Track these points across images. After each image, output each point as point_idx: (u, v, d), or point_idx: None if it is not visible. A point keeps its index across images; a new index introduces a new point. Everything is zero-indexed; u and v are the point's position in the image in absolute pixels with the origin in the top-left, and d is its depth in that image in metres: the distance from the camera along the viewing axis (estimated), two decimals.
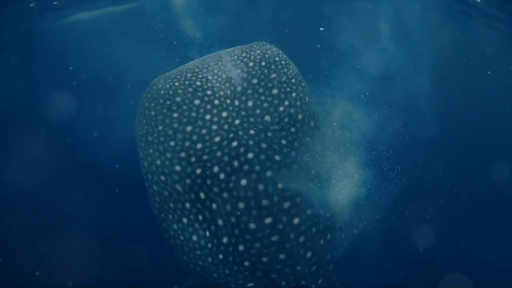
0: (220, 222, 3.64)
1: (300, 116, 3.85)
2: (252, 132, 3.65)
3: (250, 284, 3.90)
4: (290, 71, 3.94)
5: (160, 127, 3.73)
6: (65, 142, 7.57)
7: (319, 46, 8.51)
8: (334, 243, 4.10)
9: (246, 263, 3.76)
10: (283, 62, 3.93)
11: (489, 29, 10.24)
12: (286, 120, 3.78)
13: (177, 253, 4.09)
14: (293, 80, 3.91)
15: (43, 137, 7.64)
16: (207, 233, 3.73)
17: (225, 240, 3.69)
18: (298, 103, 3.87)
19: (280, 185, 3.63)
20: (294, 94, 3.86)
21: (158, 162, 3.74)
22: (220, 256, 3.78)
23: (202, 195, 3.64)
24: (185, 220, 3.77)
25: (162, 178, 3.76)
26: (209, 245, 3.77)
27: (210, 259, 3.85)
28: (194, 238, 3.80)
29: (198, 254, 3.89)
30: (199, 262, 3.94)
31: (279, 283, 3.85)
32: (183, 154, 3.63)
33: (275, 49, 4.02)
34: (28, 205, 7.03)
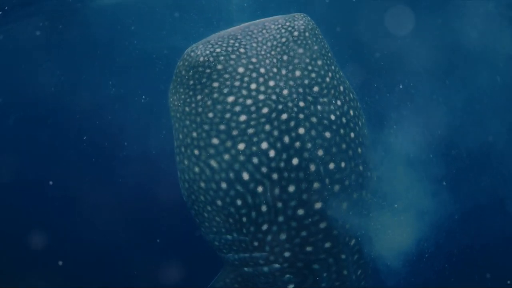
0: (264, 208, 3.25)
1: (341, 88, 3.62)
2: (302, 104, 3.27)
3: (287, 276, 3.56)
4: (326, 45, 3.76)
5: (199, 97, 3.33)
6: (125, 116, 7.46)
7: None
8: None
9: (287, 254, 3.41)
10: (321, 36, 3.74)
11: None
12: (332, 91, 3.50)
13: (209, 238, 3.71)
14: (329, 54, 3.71)
15: (104, 113, 7.55)
16: (244, 220, 3.35)
17: (264, 227, 3.32)
18: (338, 75, 3.67)
19: (331, 166, 3.29)
20: (333, 67, 3.66)
21: (195, 134, 3.36)
22: (255, 244, 3.42)
23: (245, 176, 3.23)
24: (219, 202, 3.37)
25: (196, 152, 3.36)
26: (244, 231, 3.41)
27: (244, 245, 3.49)
28: (231, 220, 3.42)
29: (230, 240, 3.53)
30: (233, 247, 3.59)
31: (321, 274, 3.55)
32: (222, 127, 3.22)
33: (313, 22, 3.83)
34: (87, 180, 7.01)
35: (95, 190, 7.06)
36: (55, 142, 7.92)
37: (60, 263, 6.70)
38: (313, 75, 3.43)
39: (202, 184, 3.40)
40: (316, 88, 3.40)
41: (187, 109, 3.41)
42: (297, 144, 3.19)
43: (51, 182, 7.24)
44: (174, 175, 3.73)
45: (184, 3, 8.49)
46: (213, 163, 3.30)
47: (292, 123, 3.20)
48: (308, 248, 3.39)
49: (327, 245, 3.41)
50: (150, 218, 7.53)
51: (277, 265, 3.50)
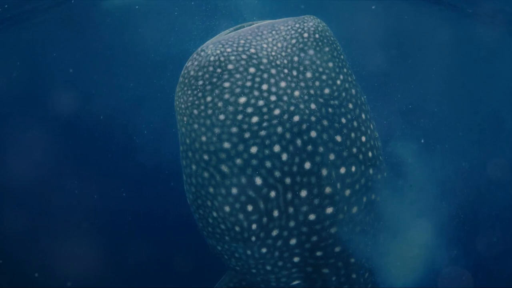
0: (276, 213, 3.16)
1: (353, 91, 3.53)
2: (313, 106, 3.20)
3: (295, 282, 3.52)
4: (339, 47, 3.66)
5: (209, 99, 3.14)
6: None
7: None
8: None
9: (296, 259, 3.36)
10: (332, 38, 3.63)
11: None
12: (344, 94, 3.42)
13: (212, 243, 3.60)
14: (342, 56, 3.62)
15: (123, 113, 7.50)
16: (254, 226, 3.23)
17: (274, 233, 3.23)
18: (350, 78, 3.58)
19: (342, 170, 3.24)
20: (345, 70, 3.57)
21: (204, 138, 3.18)
22: (263, 250, 3.33)
23: (258, 181, 3.11)
24: (227, 208, 3.24)
25: (205, 157, 3.19)
26: (253, 239, 3.29)
27: (249, 252, 3.39)
28: (237, 229, 3.29)
29: (234, 246, 3.43)
30: (235, 254, 3.48)
31: (330, 278, 3.51)
32: (234, 129, 3.08)
33: (324, 23, 3.73)
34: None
35: (100, 192, 7.05)
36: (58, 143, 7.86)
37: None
38: (324, 77, 3.35)
39: (211, 190, 3.27)
40: (327, 90, 3.32)
41: (195, 111, 3.23)
42: (309, 147, 3.11)
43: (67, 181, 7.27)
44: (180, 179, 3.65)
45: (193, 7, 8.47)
46: (224, 168, 3.17)
47: (304, 126, 3.12)
48: (318, 253, 3.35)
49: (337, 249, 3.37)
50: (154, 219, 7.49)
51: (285, 271, 3.45)
